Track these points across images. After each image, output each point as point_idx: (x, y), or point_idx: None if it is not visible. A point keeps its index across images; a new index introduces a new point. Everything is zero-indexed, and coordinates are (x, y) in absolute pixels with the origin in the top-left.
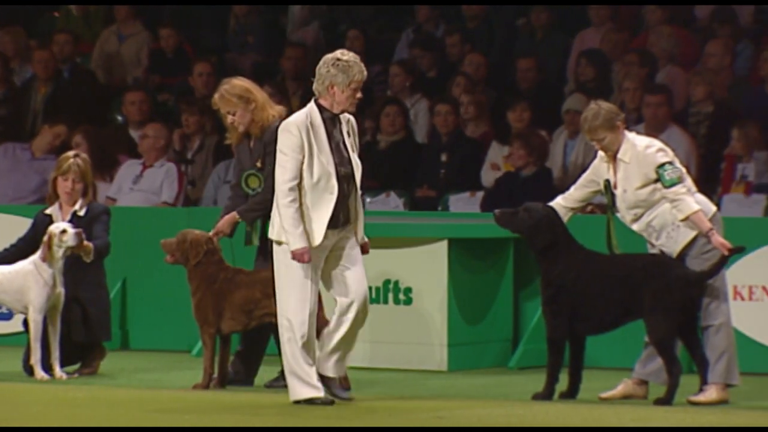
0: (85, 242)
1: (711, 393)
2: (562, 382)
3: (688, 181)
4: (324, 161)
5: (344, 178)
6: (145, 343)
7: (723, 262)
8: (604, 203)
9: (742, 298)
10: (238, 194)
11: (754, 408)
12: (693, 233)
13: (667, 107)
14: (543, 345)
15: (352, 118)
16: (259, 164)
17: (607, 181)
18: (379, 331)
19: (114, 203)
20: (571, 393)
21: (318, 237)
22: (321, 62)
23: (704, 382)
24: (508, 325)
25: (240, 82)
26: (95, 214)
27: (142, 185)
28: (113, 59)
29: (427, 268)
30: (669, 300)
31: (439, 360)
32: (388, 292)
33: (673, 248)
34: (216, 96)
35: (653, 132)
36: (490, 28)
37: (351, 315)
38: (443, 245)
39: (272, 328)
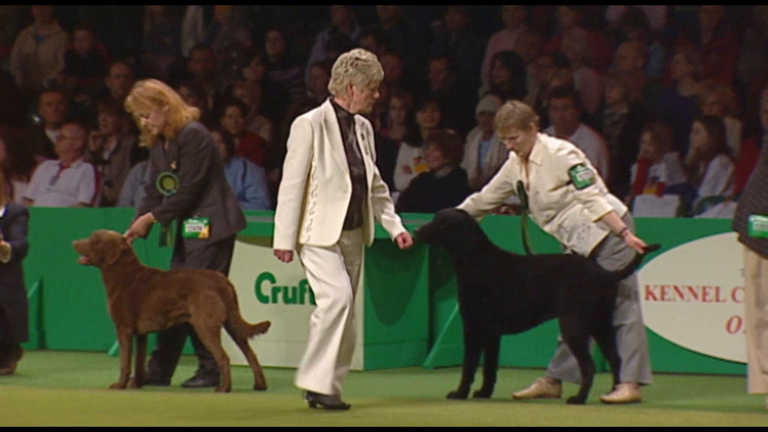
0: (2, 243)
1: (623, 392)
2: (477, 382)
3: (600, 182)
4: (337, 159)
5: (357, 178)
6: (62, 344)
7: (638, 262)
8: (518, 204)
9: (655, 298)
10: (153, 195)
11: (666, 407)
12: (603, 234)
13: (573, 109)
14: (458, 344)
15: (367, 121)
16: (173, 166)
17: (520, 183)
18: (295, 330)
19: (31, 204)
20: (485, 392)
21: (334, 236)
22: (338, 62)
23: (617, 381)
24: (423, 324)
25: (153, 85)
26: (13, 215)
27: (59, 186)
28: (30, 60)
29: None
30: (583, 299)
31: (355, 359)
32: (304, 292)
33: (584, 249)
34: (129, 99)
35: (563, 134)
36: (404, 29)
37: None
38: None
39: (189, 329)
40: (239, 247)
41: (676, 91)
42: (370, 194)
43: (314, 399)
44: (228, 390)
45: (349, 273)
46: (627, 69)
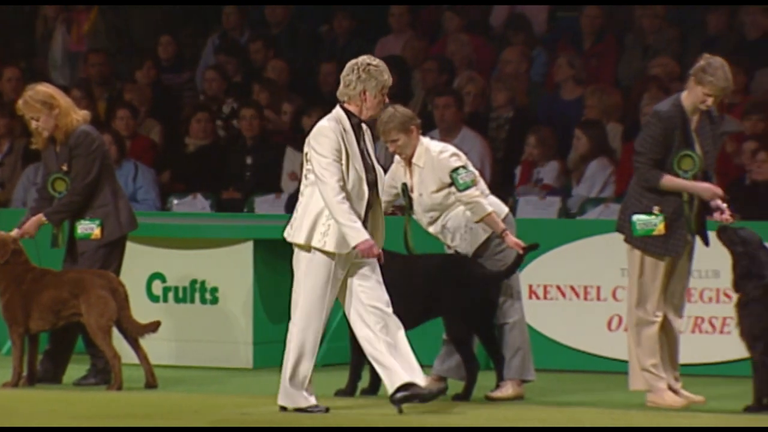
0: None
1: (507, 389)
2: (364, 379)
3: (482, 184)
4: (357, 167)
5: (371, 184)
6: None
7: (519, 261)
8: (402, 206)
9: (537, 297)
10: (44, 197)
11: (549, 403)
12: (486, 235)
13: (455, 109)
14: (346, 343)
15: (367, 127)
16: (65, 168)
17: (404, 185)
18: (185, 329)
19: None
20: (372, 389)
21: (349, 246)
22: (348, 69)
23: (500, 378)
24: None
25: (44, 88)
26: None
27: None
28: None
29: (232, 268)
30: (467, 298)
31: (245, 358)
32: (194, 291)
33: (467, 249)
34: (20, 102)
35: (446, 136)
36: (293, 34)
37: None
38: (249, 246)
39: (80, 327)
40: (131, 247)
41: (559, 95)
42: (381, 200)
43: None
44: (119, 388)
45: (370, 280)
46: (511, 73)
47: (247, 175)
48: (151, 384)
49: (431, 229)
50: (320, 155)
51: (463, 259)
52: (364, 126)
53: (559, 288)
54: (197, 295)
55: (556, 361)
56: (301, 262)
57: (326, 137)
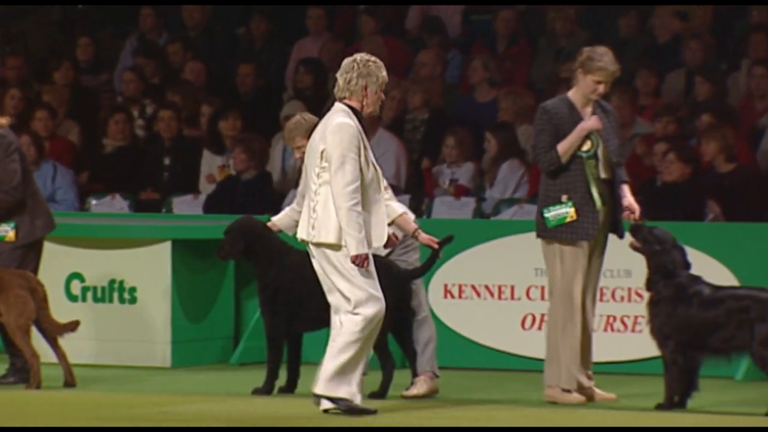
0: None
1: (421, 385)
2: (281, 378)
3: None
4: (373, 162)
5: (381, 180)
6: None
7: (435, 258)
8: None
9: (453, 296)
10: None
11: (464, 401)
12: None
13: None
14: (263, 342)
15: None
16: None
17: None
18: (104, 329)
19: None
20: (289, 388)
21: (383, 237)
22: (347, 66)
23: (415, 374)
24: (229, 323)
25: None
26: None
27: None
28: None
29: (151, 268)
30: (385, 297)
31: (163, 357)
32: (113, 291)
33: (379, 250)
34: None
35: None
36: (211, 36)
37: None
38: (167, 246)
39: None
40: (49, 247)
41: (473, 97)
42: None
43: (337, 405)
44: (38, 387)
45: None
46: (426, 75)
47: (165, 176)
48: (69, 383)
49: None
50: (341, 154)
51: (379, 258)
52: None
53: (473, 287)
54: (116, 295)
55: (471, 360)
56: (332, 260)
57: (349, 134)
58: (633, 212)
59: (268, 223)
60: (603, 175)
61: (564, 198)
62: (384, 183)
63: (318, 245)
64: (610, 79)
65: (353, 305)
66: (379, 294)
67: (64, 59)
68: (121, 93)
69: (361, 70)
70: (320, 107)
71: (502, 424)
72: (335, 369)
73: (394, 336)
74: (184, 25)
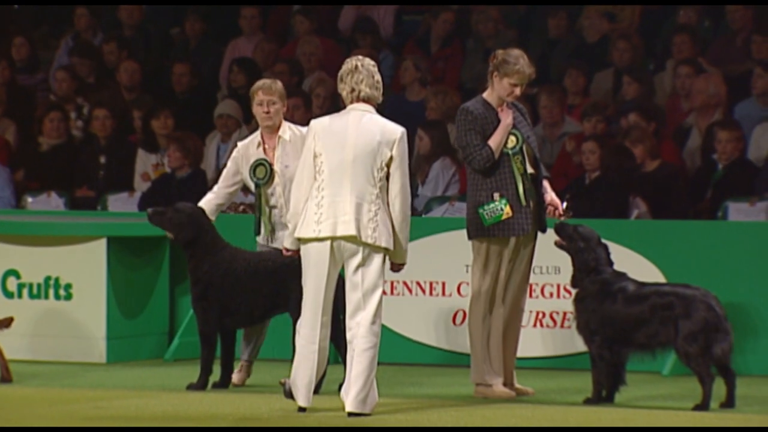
0: None
1: None
2: (215, 373)
3: None
4: None
5: None
6: None
7: None
8: (253, 203)
9: (385, 293)
10: None
11: (395, 395)
12: None
13: (304, 110)
14: (197, 338)
15: None
16: None
17: (264, 160)
18: (40, 325)
19: None
20: (223, 383)
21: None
22: (373, 70)
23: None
24: (164, 319)
25: None
26: None
27: None
28: None
29: (86, 264)
30: None
31: (98, 353)
32: (48, 288)
33: None
34: None
35: None
36: (146, 35)
37: None
38: (102, 243)
39: None
40: None
41: (404, 97)
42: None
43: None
44: None
45: None
46: None
47: (101, 174)
48: (6, 378)
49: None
50: (406, 163)
51: None
52: None
53: (405, 284)
54: (51, 291)
55: (403, 355)
56: (380, 266)
57: (406, 145)
58: (556, 208)
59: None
60: (529, 170)
61: (497, 196)
62: None
63: (371, 247)
64: (525, 81)
65: (377, 315)
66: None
67: (0, 58)
68: (54, 92)
69: (381, 76)
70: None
71: (432, 417)
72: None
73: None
74: (120, 25)
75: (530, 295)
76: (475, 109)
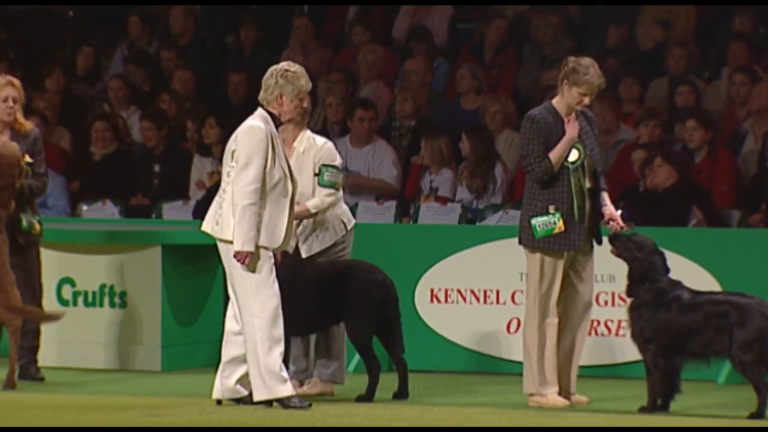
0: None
1: (314, 386)
2: None
3: (339, 193)
4: (282, 166)
5: (294, 184)
6: None
7: None
8: None
9: (439, 301)
10: None
11: (450, 404)
12: (335, 239)
13: (370, 122)
14: None
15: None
16: None
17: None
18: (95, 333)
19: None
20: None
21: (280, 239)
22: (268, 73)
23: (402, 381)
24: (218, 326)
25: None
26: None
27: None
28: None
29: (141, 272)
30: (367, 303)
31: (154, 360)
32: (104, 296)
33: (317, 248)
34: None
35: (359, 144)
36: (201, 43)
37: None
38: (157, 251)
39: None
40: (41, 252)
41: (459, 104)
42: (295, 200)
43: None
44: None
45: None
46: (415, 83)
47: (155, 182)
48: (9, 385)
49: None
50: (245, 155)
51: (362, 264)
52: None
53: (459, 292)
54: (106, 299)
55: (458, 363)
56: (231, 256)
57: (256, 137)
58: (615, 220)
59: None
60: (587, 184)
61: (552, 209)
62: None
63: (220, 240)
64: (595, 91)
65: (241, 306)
66: (278, 299)
67: (55, 66)
68: (109, 101)
69: (277, 80)
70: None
71: (486, 425)
72: (261, 372)
73: (380, 339)
74: (173, 34)
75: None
76: (541, 117)
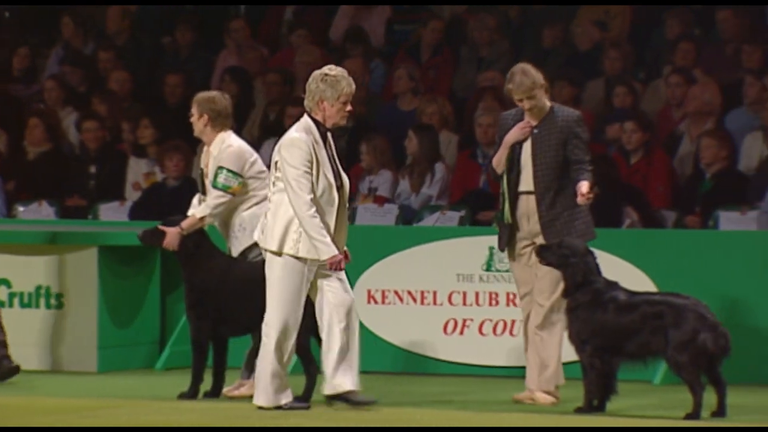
0: None
1: (251, 387)
2: (207, 382)
3: (228, 198)
4: (327, 175)
5: (339, 190)
6: None
7: None
8: None
9: (376, 302)
10: None
11: (387, 405)
12: (256, 239)
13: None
14: (189, 347)
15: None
16: None
17: (201, 169)
18: (31, 334)
19: None
20: (214, 392)
21: (324, 250)
22: (310, 78)
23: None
24: (155, 328)
25: None
26: None
27: None
28: None
29: (78, 274)
30: (306, 303)
31: (90, 362)
32: (40, 297)
33: (237, 248)
34: None
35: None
36: (137, 45)
37: (345, 322)
38: (93, 252)
39: None
40: None
41: (395, 105)
42: (346, 204)
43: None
44: None
45: (337, 282)
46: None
47: (92, 183)
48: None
49: (216, 222)
50: (292, 166)
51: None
52: (328, 134)
53: (396, 293)
54: (42, 301)
55: (394, 364)
56: (274, 266)
57: (298, 148)
58: (582, 194)
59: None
60: (523, 188)
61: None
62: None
63: (264, 249)
64: (523, 96)
65: (269, 314)
66: (294, 316)
67: None
68: (44, 101)
69: (318, 85)
70: (246, 115)
71: (425, 425)
72: (267, 378)
73: (317, 341)
74: (110, 34)
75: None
76: (503, 119)
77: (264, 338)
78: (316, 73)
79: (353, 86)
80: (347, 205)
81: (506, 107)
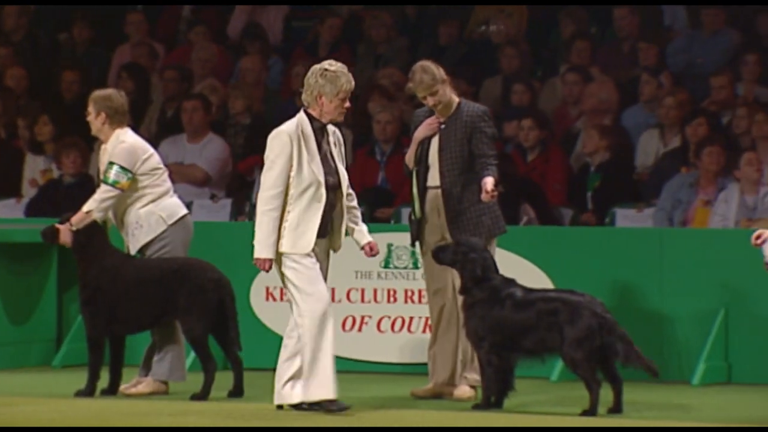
0: None
1: (147, 385)
2: (104, 380)
3: (116, 194)
4: (315, 170)
5: (332, 187)
6: None
7: None
8: None
9: (274, 299)
10: None
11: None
12: (152, 236)
13: (203, 113)
14: (85, 345)
15: (337, 129)
16: None
17: (98, 168)
18: None
19: None
20: (111, 389)
21: (309, 245)
22: (309, 73)
23: (238, 378)
24: (52, 325)
25: None
26: None
27: None
28: None
29: None
30: (203, 301)
31: None
32: None
33: (135, 246)
34: None
35: (194, 138)
36: (34, 41)
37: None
38: None
39: None
40: None
41: (293, 102)
42: (344, 202)
43: (318, 407)
44: None
45: None
46: (250, 81)
47: None
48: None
49: (112, 219)
50: (267, 158)
51: (199, 263)
52: (330, 128)
53: None
54: None
55: None
56: (282, 266)
57: (279, 140)
58: (486, 191)
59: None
60: (431, 183)
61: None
62: (349, 190)
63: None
64: (425, 93)
65: (295, 305)
66: (318, 290)
67: None
68: None
69: (317, 80)
70: (143, 111)
71: (327, 425)
72: (304, 372)
73: (216, 337)
74: (6, 31)
75: (419, 301)
76: (416, 116)
77: (299, 330)
78: (316, 67)
79: (353, 83)
80: (347, 203)
81: (405, 104)
